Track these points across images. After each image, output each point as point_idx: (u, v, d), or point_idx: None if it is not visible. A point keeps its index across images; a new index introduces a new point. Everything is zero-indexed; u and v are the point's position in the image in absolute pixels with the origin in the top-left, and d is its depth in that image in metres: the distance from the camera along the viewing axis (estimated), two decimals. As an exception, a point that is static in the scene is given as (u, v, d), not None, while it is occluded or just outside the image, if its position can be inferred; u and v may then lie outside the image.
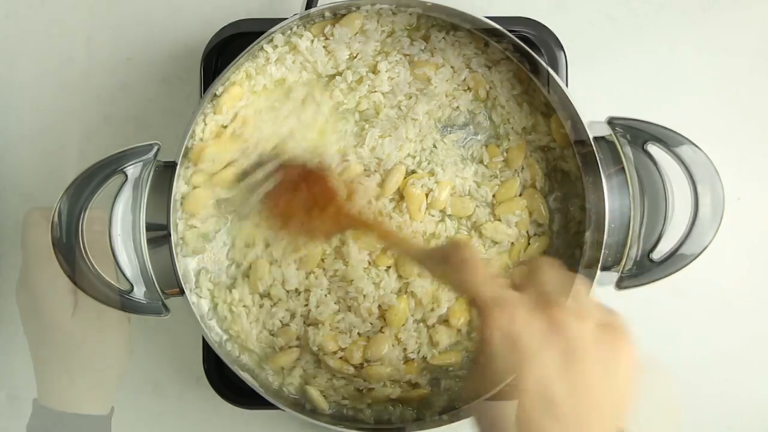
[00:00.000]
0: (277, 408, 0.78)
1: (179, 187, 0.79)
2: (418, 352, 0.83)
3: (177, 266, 0.75)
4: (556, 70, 0.84)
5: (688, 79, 0.94)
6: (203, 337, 0.82)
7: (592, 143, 0.75)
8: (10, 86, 0.94)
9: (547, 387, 0.52)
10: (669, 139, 0.74)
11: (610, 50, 0.94)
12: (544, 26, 0.85)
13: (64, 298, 0.72)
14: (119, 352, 0.75)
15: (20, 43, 0.94)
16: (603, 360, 0.54)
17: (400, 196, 0.82)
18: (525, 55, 0.78)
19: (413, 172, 0.83)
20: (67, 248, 0.70)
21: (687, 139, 0.74)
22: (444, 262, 0.63)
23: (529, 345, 0.53)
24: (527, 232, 0.83)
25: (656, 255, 0.74)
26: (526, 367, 0.53)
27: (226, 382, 0.85)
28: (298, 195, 0.76)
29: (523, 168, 0.83)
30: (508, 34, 0.77)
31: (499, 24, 0.77)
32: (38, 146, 0.94)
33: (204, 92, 0.81)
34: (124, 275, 0.73)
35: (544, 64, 0.77)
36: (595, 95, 0.86)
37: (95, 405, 0.74)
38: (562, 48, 0.85)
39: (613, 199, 0.75)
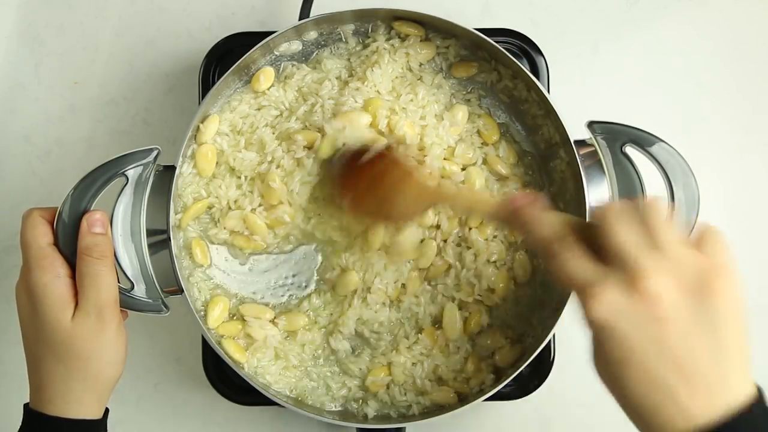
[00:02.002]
0: (277, 404, 0.80)
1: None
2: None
3: (176, 265, 0.78)
4: (538, 77, 0.87)
5: (666, 81, 0.96)
6: (202, 336, 0.84)
7: (573, 146, 0.78)
8: (18, 86, 0.97)
9: (649, 363, 0.53)
10: (645, 141, 0.77)
11: (590, 53, 0.97)
12: (526, 36, 0.89)
13: (63, 300, 0.71)
14: (117, 359, 0.73)
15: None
16: (700, 319, 0.53)
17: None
18: (510, 65, 0.82)
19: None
20: (70, 249, 0.73)
21: (662, 140, 0.77)
22: (510, 221, 0.65)
23: (627, 334, 0.53)
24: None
25: (635, 252, 0.77)
26: (629, 356, 0.53)
27: (225, 380, 0.87)
28: (375, 180, 0.77)
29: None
30: (494, 43, 0.80)
31: (486, 35, 0.80)
32: (36, 149, 0.96)
33: (202, 99, 0.85)
34: (125, 274, 0.76)
35: (525, 70, 0.80)
36: (576, 99, 0.89)
37: (90, 409, 0.72)
38: (542, 56, 0.88)
39: (593, 200, 0.77)
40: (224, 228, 0.83)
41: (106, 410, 0.75)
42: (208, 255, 0.84)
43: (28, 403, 0.73)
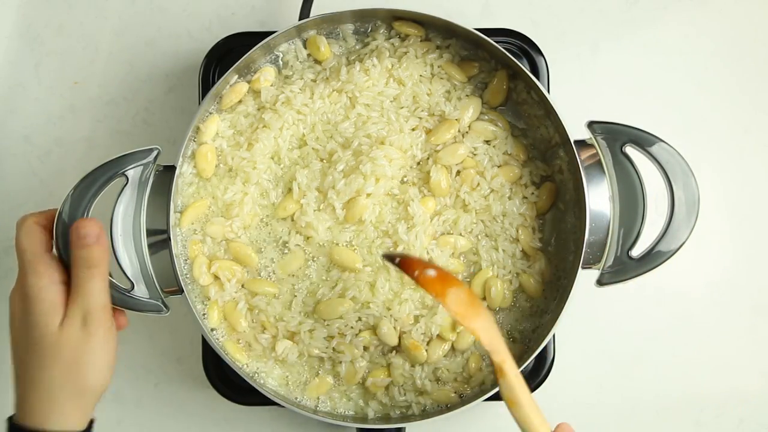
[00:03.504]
0: (277, 405, 0.80)
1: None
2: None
3: (176, 265, 0.78)
4: (538, 77, 0.87)
5: (666, 81, 0.96)
6: (203, 336, 0.83)
7: (573, 146, 0.78)
8: (18, 86, 0.97)
9: None
10: (645, 141, 0.77)
11: (590, 53, 0.97)
12: (526, 36, 0.89)
13: (54, 306, 0.70)
14: (103, 366, 0.71)
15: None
16: None
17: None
18: (510, 65, 0.82)
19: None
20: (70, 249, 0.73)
21: (662, 140, 0.77)
22: None
23: None
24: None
25: (635, 252, 0.77)
26: None
27: (225, 380, 0.87)
28: None
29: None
30: (494, 43, 0.80)
31: (486, 35, 0.80)
32: (36, 149, 0.96)
33: (202, 99, 0.85)
34: (125, 274, 0.76)
35: (526, 70, 0.80)
36: (576, 99, 0.89)
37: (72, 420, 0.69)
38: (542, 56, 0.88)
39: (593, 200, 0.77)
40: (206, 235, 0.83)
41: (91, 421, 0.72)
42: None
43: (12, 416, 0.70)
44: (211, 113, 0.84)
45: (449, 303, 0.70)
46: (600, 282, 0.78)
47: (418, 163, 0.85)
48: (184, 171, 0.83)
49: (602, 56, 0.96)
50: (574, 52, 0.96)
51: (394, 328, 0.83)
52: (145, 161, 0.75)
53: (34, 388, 0.70)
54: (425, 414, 0.83)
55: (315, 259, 0.84)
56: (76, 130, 0.95)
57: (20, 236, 0.72)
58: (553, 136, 0.83)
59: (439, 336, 0.83)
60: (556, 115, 0.79)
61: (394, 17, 0.85)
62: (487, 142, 0.85)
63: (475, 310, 0.71)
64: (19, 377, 0.71)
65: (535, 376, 0.86)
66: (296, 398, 0.83)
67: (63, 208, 0.73)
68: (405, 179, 0.85)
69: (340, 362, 0.83)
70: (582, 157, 0.78)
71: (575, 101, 0.86)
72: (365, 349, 0.83)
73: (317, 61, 0.86)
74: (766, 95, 0.97)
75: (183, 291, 0.78)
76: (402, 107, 0.85)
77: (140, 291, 0.76)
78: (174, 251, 0.78)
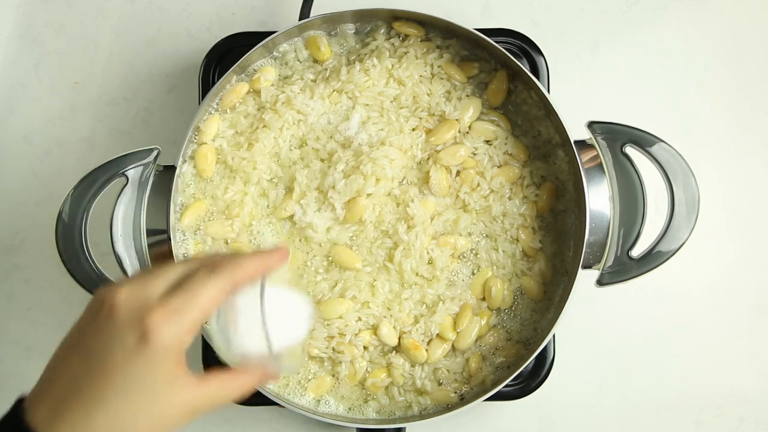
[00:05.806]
0: (277, 404, 0.80)
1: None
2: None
3: (176, 266, 0.78)
4: (538, 77, 0.87)
5: (666, 81, 0.96)
6: (202, 336, 0.84)
7: (573, 146, 0.78)
8: (18, 86, 0.97)
9: None
10: (645, 141, 0.77)
11: (590, 53, 0.97)
12: (526, 36, 0.89)
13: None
14: None
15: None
16: None
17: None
18: (510, 65, 0.82)
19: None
20: (70, 249, 0.73)
21: (662, 140, 0.77)
22: None
23: None
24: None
25: (635, 252, 0.77)
26: None
27: (224, 381, 0.87)
28: None
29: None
30: (494, 43, 0.80)
31: (486, 35, 0.80)
32: (36, 149, 0.96)
33: (202, 99, 0.85)
34: (125, 274, 0.76)
35: (526, 70, 0.80)
36: (576, 99, 0.89)
37: None
38: (542, 56, 0.88)
39: (593, 200, 0.78)
40: (206, 235, 0.83)
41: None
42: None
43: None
44: (211, 113, 0.84)
45: None
46: (600, 282, 0.78)
47: (418, 164, 0.85)
48: (184, 171, 0.83)
49: (602, 56, 0.96)
50: (574, 52, 0.96)
51: (394, 328, 0.83)
52: (145, 161, 0.76)
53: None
54: (425, 414, 0.83)
55: (314, 259, 0.84)
56: (76, 130, 0.95)
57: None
58: (553, 136, 0.83)
59: (439, 336, 0.83)
60: (556, 115, 0.79)
61: (394, 17, 0.85)
62: (488, 142, 0.85)
63: None
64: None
65: (535, 376, 0.86)
66: (296, 398, 0.83)
67: (63, 208, 0.74)
68: (405, 179, 0.85)
69: (340, 362, 0.83)
70: (582, 157, 0.78)
71: (575, 101, 0.86)
72: (365, 349, 0.83)
73: (317, 61, 0.86)
74: (766, 95, 0.97)
75: (183, 291, 0.78)
76: (402, 107, 0.85)
77: (140, 291, 0.76)
78: (174, 251, 0.78)
